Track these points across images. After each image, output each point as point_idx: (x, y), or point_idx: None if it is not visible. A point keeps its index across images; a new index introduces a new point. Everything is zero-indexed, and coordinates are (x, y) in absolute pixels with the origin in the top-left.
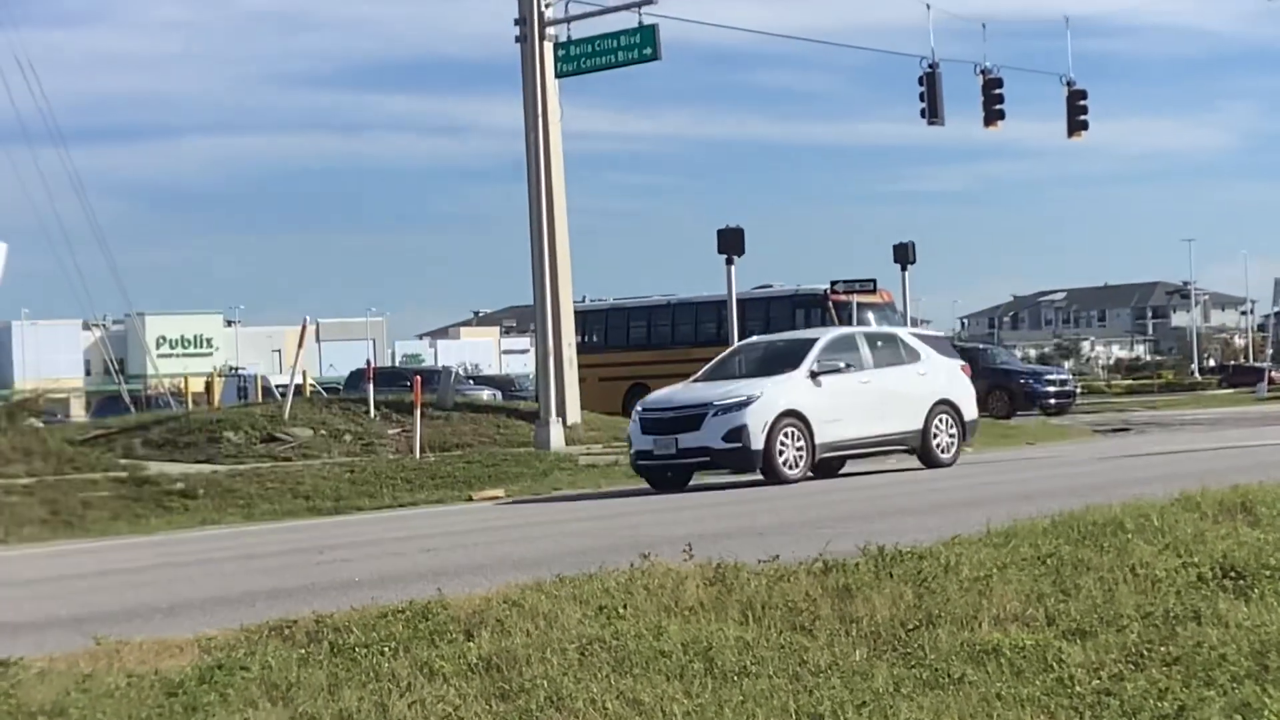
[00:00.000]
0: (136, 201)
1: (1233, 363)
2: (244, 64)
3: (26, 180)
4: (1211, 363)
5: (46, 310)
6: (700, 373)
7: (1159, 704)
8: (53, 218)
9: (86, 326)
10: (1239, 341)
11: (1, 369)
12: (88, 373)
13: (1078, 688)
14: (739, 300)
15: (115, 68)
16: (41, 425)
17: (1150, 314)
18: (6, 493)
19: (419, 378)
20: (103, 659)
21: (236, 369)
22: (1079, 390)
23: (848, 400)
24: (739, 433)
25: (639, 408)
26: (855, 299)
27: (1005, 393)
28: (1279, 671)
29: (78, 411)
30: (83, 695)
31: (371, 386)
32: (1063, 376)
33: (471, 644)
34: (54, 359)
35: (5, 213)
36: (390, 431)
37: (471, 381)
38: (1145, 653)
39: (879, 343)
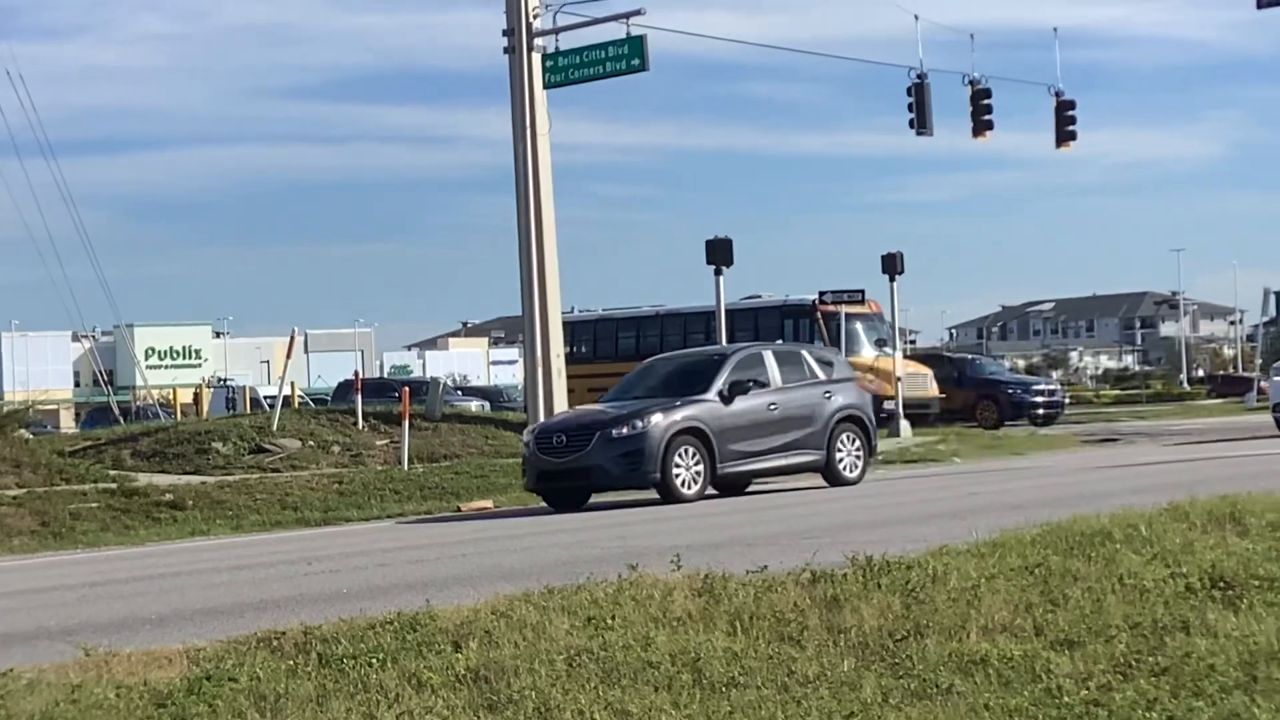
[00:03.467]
0: (125, 213)
1: (1222, 373)
2: (230, 76)
3: (16, 192)
4: (1200, 373)
5: (36, 322)
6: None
7: (1147, 714)
8: (42, 229)
9: (76, 338)
10: (1228, 351)
11: None
12: (77, 384)
13: (1066, 698)
14: (727, 310)
15: (101, 80)
16: (31, 436)
17: (1139, 324)
18: None
19: (407, 389)
20: (92, 670)
21: (225, 380)
22: (1067, 400)
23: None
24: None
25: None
26: (843, 309)
27: (993, 403)
28: (1268, 682)
29: (67, 423)
30: (72, 706)
31: (359, 398)
32: (1051, 387)
33: (459, 655)
34: (43, 370)
35: None
36: (378, 442)
37: (460, 392)
38: (1133, 663)
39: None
